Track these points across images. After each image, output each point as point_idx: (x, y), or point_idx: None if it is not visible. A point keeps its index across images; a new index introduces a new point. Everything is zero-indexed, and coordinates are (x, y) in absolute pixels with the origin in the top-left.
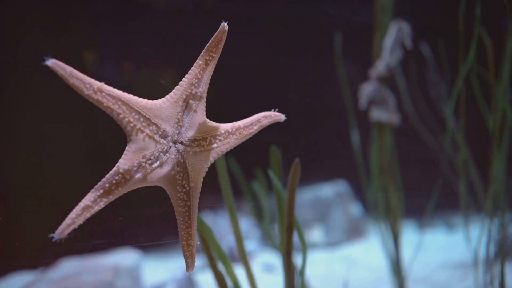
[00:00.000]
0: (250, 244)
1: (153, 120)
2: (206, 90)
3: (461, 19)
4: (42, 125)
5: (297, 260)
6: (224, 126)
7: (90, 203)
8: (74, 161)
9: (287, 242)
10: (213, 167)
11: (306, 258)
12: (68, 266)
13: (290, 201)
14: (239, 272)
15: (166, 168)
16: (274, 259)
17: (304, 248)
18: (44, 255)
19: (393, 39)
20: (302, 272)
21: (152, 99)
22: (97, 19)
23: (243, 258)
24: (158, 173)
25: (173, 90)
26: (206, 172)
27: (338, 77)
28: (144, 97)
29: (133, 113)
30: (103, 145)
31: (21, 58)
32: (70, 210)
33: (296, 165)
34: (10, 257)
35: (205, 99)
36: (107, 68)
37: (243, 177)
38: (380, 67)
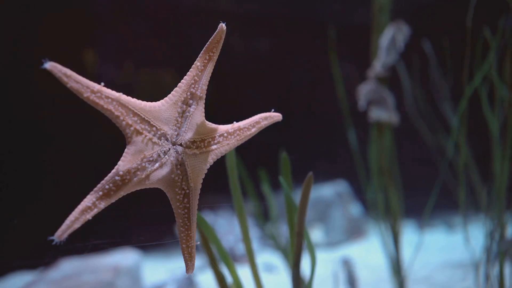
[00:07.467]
0: None
1: (152, 122)
2: (205, 91)
3: (469, 20)
4: (42, 126)
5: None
6: (223, 128)
7: (90, 204)
8: (74, 161)
9: (297, 250)
10: (214, 167)
11: (315, 269)
12: (68, 266)
13: (301, 213)
14: (239, 272)
15: (165, 170)
16: (274, 259)
17: (313, 258)
18: (44, 255)
19: (389, 38)
20: (310, 283)
21: (152, 101)
22: (97, 19)
23: (251, 258)
24: (158, 175)
25: (172, 92)
26: (206, 173)
27: (336, 76)
28: (143, 98)
29: (132, 115)
30: (102, 147)
31: (21, 58)
32: (70, 210)
33: (309, 179)
34: (10, 257)
35: (204, 100)
36: (106, 68)
37: (247, 177)
38: (377, 66)
